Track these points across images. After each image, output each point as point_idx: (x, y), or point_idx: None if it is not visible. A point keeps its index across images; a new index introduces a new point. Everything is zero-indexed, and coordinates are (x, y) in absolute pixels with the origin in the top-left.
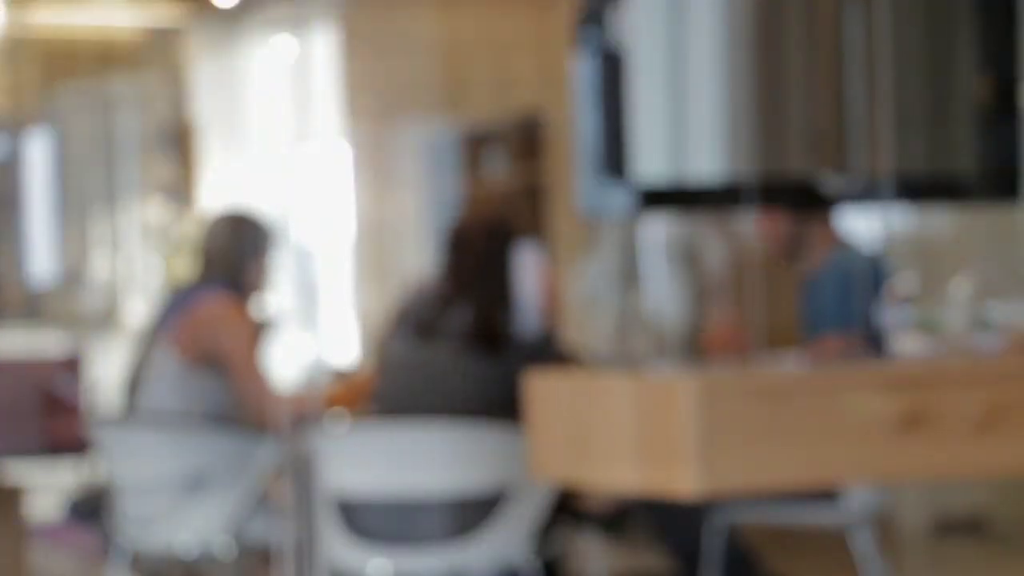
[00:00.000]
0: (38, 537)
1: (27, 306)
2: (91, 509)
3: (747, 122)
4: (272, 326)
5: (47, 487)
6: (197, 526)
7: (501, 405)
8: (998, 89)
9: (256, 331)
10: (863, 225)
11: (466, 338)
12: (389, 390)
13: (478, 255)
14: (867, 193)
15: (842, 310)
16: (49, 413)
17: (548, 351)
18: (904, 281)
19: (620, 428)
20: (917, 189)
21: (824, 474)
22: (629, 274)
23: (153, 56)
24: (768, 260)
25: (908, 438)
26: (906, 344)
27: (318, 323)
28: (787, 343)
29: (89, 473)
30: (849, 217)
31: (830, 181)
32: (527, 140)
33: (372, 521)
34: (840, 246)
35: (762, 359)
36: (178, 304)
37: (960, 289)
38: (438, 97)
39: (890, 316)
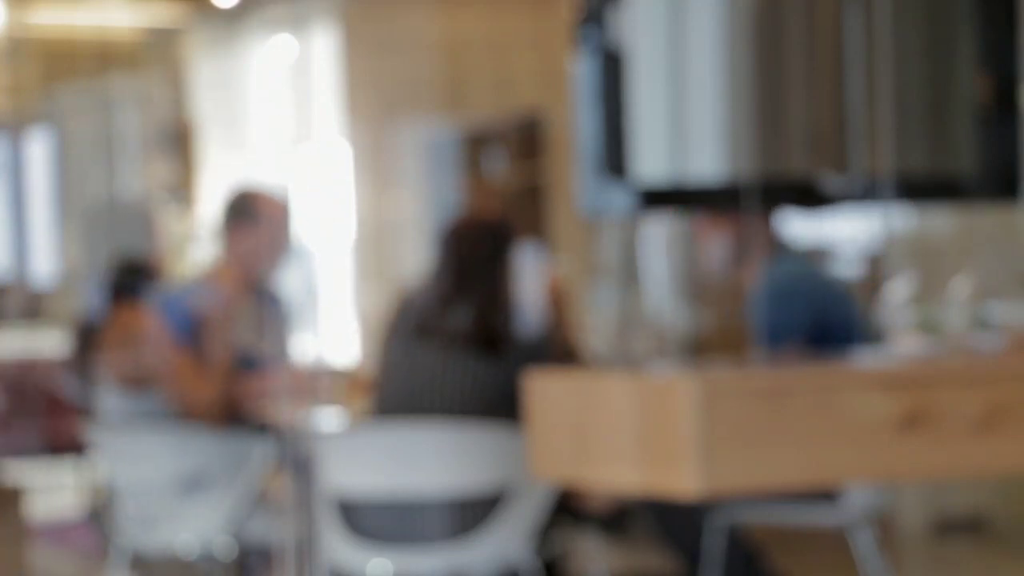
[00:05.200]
0: (38, 537)
1: (27, 306)
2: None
3: (747, 122)
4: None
5: (47, 487)
6: (197, 526)
7: (501, 405)
8: (998, 89)
9: None
10: (860, 225)
11: (466, 338)
12: (389, 390)
13: (478, 255)
14: (867, 193)
15: (791, 321)
16: (49, 413)
17: (548, 351)
18: (904, 281)
19: (620, 428)
20: (917, 189)
21: (824, 474)
22: (629, 274)
23: (153, 56)
24: (711, 269)
25: (908, 438)
26: (906, 344)
27: (318, 323)
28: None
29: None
30: (788, 222)
31: (830, 181)
32: (527, 140)
33: (372, 521)
34: (780, 252)
35: (761, 359)
36: None
37: (960, 289)
38: (438, 97)
39: (848, 310)
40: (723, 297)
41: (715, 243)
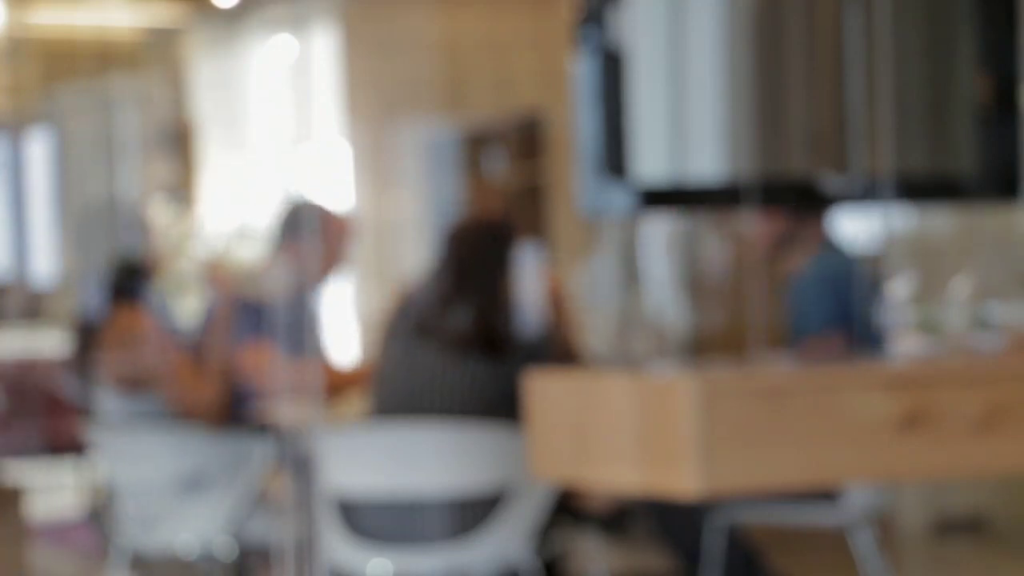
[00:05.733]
0: (38, 537)
1: (27, 306)
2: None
3: (747, 122)
4: None
5: (47, 487)
6: (197, 526)
7: (501, 405)
8: (998, 89)
9: None
10: (860, 225)
11: (466, 338)
12: (388, 390)
13: (478, 255)
14: (867, 193)
15: (824, 312)
16: (49, 413)
17: (548, 351)
18: (904, 281)
19: (620, 428)
20: (917, 189)
21: (824, 474)
22: (629, 274)
23: (153, 56)
24: (754, 259)
25: (908, 438)
26: (906, 344)
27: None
28: (777, 343)
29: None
30: (841, 218)
31: (830, 181)
32: (527, 140)
33: (372, 521)
34: (827, 248)
35: (760, 359)
36: None
37: (960, 289)
38: (438, 97)
39: (881, 316)
40: (723, 297)
41: (766, 234)
